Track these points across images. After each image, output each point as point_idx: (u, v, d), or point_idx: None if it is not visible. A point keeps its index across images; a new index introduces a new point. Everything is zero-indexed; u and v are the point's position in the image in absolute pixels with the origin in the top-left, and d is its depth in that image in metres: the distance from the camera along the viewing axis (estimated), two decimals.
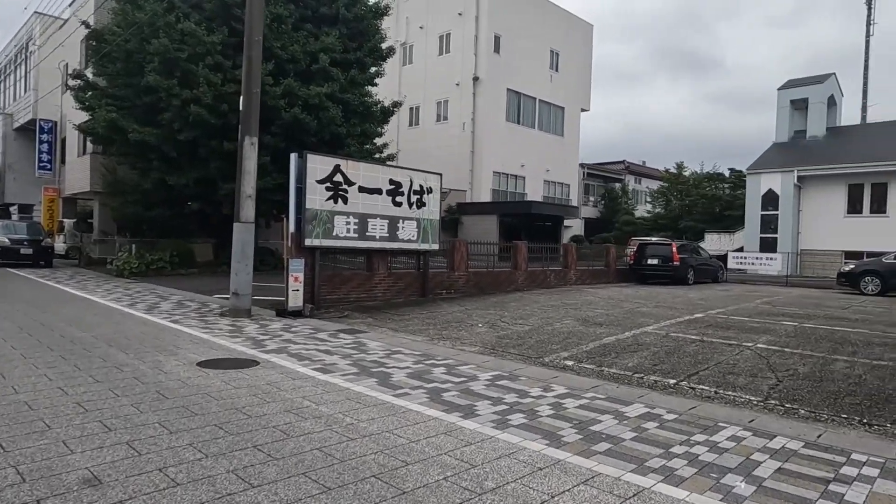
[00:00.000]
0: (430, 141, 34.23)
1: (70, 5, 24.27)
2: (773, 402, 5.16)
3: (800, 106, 29.27)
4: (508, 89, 34.64)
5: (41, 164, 25.23)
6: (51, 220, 23.90)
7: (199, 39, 15.27)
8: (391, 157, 21.93)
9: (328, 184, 10.60)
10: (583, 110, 40.53)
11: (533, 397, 5.06)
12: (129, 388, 4.89)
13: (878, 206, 24.62)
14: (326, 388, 5.14)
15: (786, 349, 7.61)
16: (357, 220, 11.10)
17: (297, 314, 9.78)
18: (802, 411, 4.90)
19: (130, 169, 17.93)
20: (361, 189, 11.15)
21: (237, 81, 15.72)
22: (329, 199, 10.62)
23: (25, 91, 32.55)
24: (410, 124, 35.85)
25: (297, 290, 9.88)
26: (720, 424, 4.41)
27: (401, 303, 11.87)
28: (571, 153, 39.51)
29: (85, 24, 17.65)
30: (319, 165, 10.50)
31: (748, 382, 5.82)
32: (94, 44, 17.87)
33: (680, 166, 39.15)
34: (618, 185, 46.96)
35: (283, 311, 9.79)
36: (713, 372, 6.25)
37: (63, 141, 25.08)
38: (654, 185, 48.61)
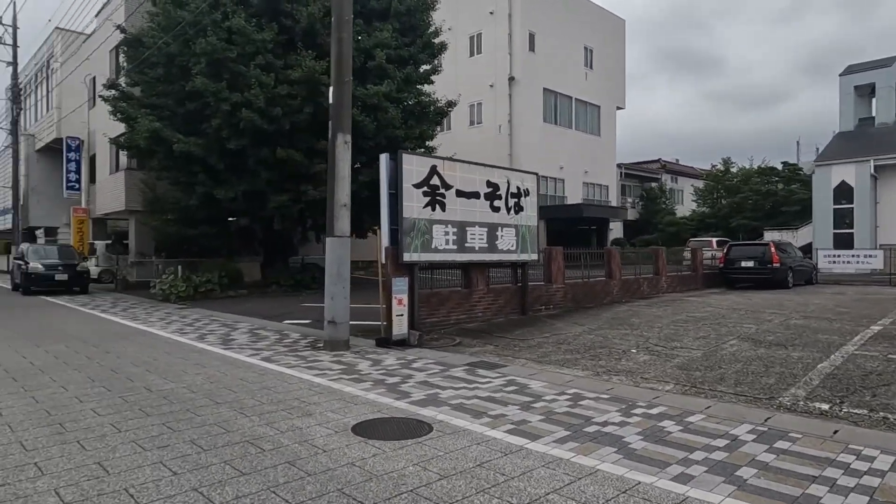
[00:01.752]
0: (463, 146, 32.64)
1: (97, 15, 23.09)
2: None
3: (864, 92, 27.43)
4: (545, 89, 33.15)
5: (69, 184, 23.95)
6: (81, 243, 22.58)
7: (249, 37, 13.85)
8: None
9: (425, 188, 9.05)
10: (618, 108, 38.96)
11: (861, 472, 3.41)
12: (298, 489, 3.30)
13: None
14: (571, 472, 3.53)
15: None
16: (456, 230, 9.53)
17: (401, 343, 8.19)
18: None
19: (171, 184, 16.52)
20: (459, 193, 9.59)
21: (289, 82, 14.33)
22: (426, 205, 9.07)
23: (48, 110, 31.45)
24: (442, 129, 34.38)
25: (402, 315, 8.30)
26: None
27: (503, 323, 10.26)
28: (609, 153, 37.84)
29: (120, 28, 16.32)
30: (416, 167, 8.97)
31: None
32: (126, 49, 16.57)
33: (726, 162, 37.29)
34: (654, 184, 45.13)
35: (384, 341, 8.21)
36: None
37: (92, 158, 23.81)
38: (688, 183, 46.79)
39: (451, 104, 18.41)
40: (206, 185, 14.92)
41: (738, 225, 33.02)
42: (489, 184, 10.15)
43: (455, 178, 9.53)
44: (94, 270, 21.48)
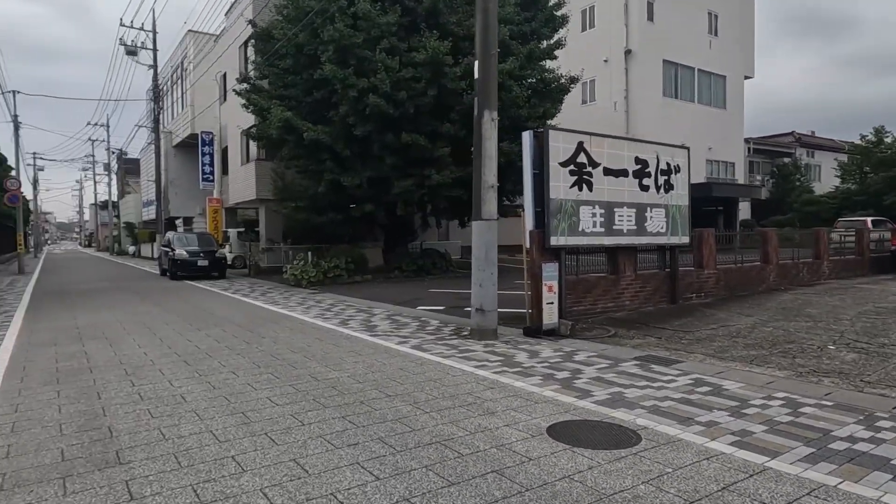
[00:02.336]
0: (574, 126, 31.34)
1: (227, 13, 24.34)
2: None
3: None
4: (664, 60, 30.93)
5: (204, 176, 25.63)
6: (215, 231, 24.12)
7: (374, 21, 13.77)
8: None
9: (571, 166, 8.40)
10: (746, 77, 35.67)
11: None
12: None
13: None
14: None
15: None
16: (603, 211, 8.81)
17: (551, 333, 7.65)
18: None
19: (297, 173, 16.99)
20: (606, 171, 8.84)
21: (413, 65, 14.10)
22: (573, 185, 8.42)
23: (182, 108, 33.93)
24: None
25: (552, 304, 7.75)
26: None
27: (654, 312, 9.41)
28: (735, 127, 34.74)
29: (251, 22, 16.92)
30: (562, 144, 8.33)
31: None
32: (255, 43, 17.16)
33: (879, 132, 32.89)
34: (787, 159, 40.99)
35: (533, 330, 7.71)
36: None
37: (224, 151, 25.28)
38: (828, 158, 42.07)
39: (573, 80, 17.45)
40: (334, 173, 15.14)
41: (894, 203, 29.07)
42: (637, 160, 9.29)
43: (602, 155, 8.79)
44: (228, 257, 22.85)
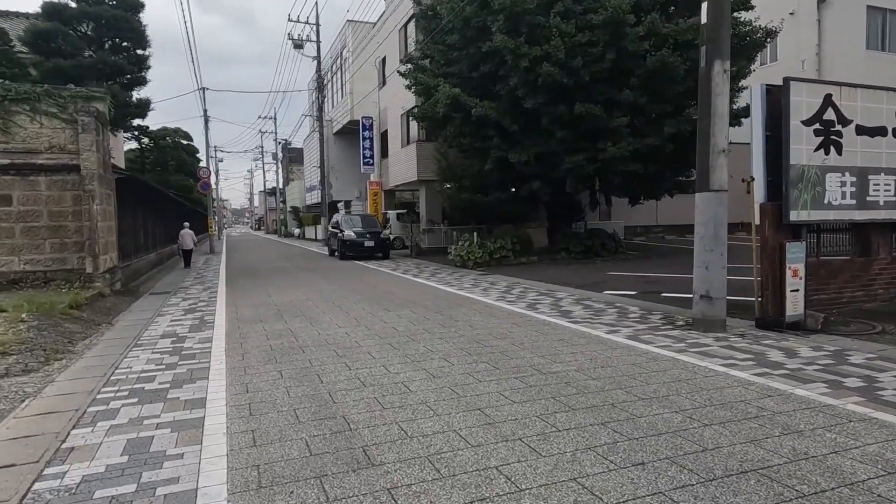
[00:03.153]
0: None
1: None
2: None
3: None
4: (868, 6, 26.33)
5: (365, 160, 26.52)
6: (376, 213, 24.89)
7: None
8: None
9: (816, 125, 6.91)
10: None
11: None
12: None
13: None
14: None
15: None
16: (854, 179, 7.21)
17: (795, 326, 6.34)
18: None
19: (460, 152, 16.67)
20: (859, 130, 7.21)
21: (591, 28, 12.98)
22: (818, 148, 6.94)
23: (343, 97, 35.57)
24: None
25: (797, 291, 6.43)
26: None
27: None
28: None
29: (416, 1, 16.80)
30: (805, 98, 6.86)
31: None
32: (419, 21, 16.99)
33: None
34: None
35: (768, 322, 6.46)
36: None
37: (383, 135, 25.94)
38: None
39: (770, 33, 15.11)
40: (500, 149, 14.55)
41: None
42: None
43: (854, 110, 7.15)
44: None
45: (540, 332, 6.56)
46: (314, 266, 17.01)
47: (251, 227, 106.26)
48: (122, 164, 20.65)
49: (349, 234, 19.01)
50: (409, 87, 17.38)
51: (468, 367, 4.99)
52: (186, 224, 18.49)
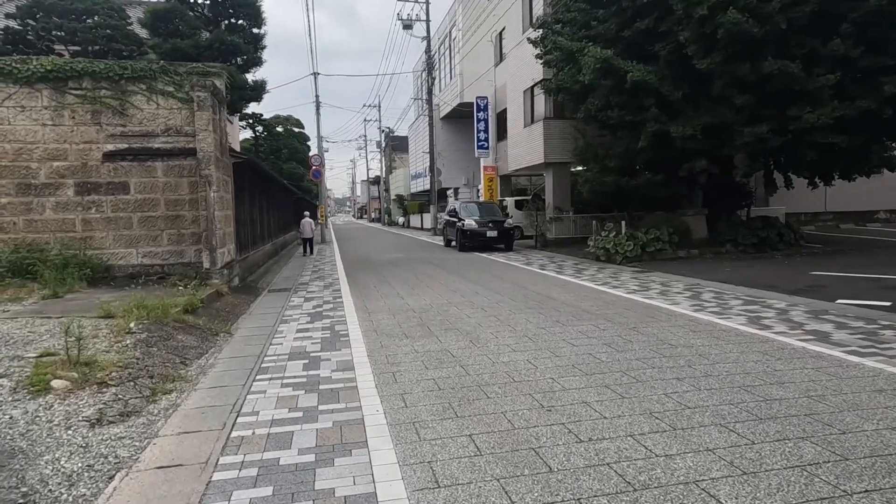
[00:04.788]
0: None
1: None
2: None
3: None
4: None
5: (479, 143, 24.75)
6: (491, 200, 23.10)
7: None
8: None
9: None
10: None
11: None
12: None
13: None
14: None
15: None
16: None
17: None
18: None
19: (602, 128, 14.39)
20: None
21: None
22: None
23: (451, 78, 33.97)
24: None
25: None
26: None
27: None
28: None
29: None
30: None
31: None
32: None
33: None
34: None
35: None
36: None
37: (498, 116, 24.04)
38: None
39: None
40: (659, 122, 12.15)
41: None
42: None
43: None
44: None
45: (819, 369, 4.40)
46: (434, 258, 15.49)
47: (353, 216, 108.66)
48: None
49: (470, 223, 17.33)
50: (540, 57, 15.29)
51: (766, 449, 2.99)
52: (307, 213, 18.71)
